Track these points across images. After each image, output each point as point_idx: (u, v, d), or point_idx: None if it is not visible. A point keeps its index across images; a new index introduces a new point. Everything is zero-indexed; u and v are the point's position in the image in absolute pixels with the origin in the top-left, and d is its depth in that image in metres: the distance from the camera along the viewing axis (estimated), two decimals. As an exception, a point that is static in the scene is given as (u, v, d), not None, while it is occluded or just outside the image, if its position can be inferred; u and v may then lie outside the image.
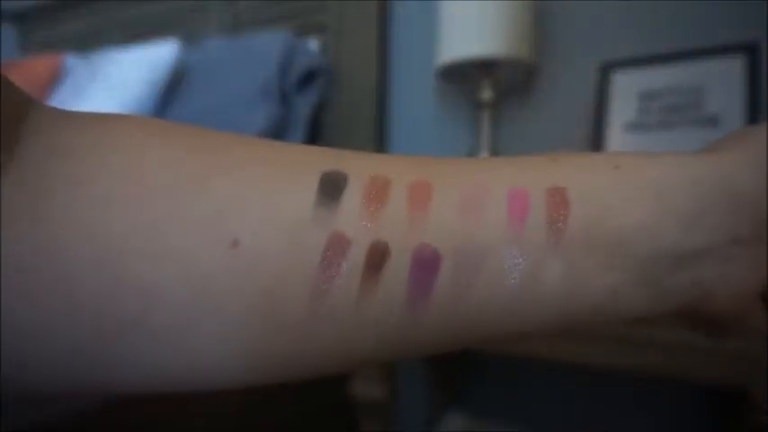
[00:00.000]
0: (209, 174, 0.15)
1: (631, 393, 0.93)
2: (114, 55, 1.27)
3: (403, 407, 1.12)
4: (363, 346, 0.16)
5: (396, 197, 0.16)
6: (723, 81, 0.83)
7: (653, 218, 0.16)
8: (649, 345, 0.63)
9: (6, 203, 0.14)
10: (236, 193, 0.15)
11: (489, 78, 0.95)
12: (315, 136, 1.18)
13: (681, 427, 0.89)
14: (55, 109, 0.17)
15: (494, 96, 0.95)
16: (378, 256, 0.15)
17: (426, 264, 0.15)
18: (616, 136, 0.90)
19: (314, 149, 0.17)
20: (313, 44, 1.18)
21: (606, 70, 0.93)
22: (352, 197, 0.16)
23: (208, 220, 0.15)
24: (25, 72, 1.36)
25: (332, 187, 0.16)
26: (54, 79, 1.36)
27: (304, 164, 0.16)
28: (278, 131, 1.09)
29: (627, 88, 0.91)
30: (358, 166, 0.16)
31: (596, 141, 0.92)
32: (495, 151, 0.95)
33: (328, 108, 1.18)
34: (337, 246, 0.15)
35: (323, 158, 0.17)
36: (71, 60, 1.41)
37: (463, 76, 1.00)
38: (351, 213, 0.15)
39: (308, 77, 1.13)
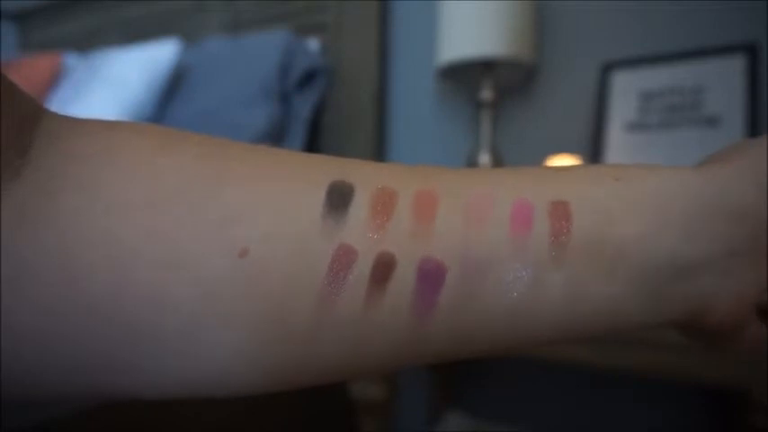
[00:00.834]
0: (219, 183, 0.16)
1: (631, 393, 0.93)
2: (114, 55, 1.27)
3: (403, 407, 1.12)
4: (369, 355, 0.16)
5: (402, 209, 0.16)
6: (723, 81, 0.83)
7: (653, 230, 0.17)
8: (650, 345, 0.63)
9: (18, 206, 0.14)
10: (245, 202, 0.15)
11: (489, 78, 0.95)
12: (315, 136, 1.18)
13: (681, 428, 0.89)
14: (64, 115, 0.17)
15: (494, 96, 0.95)
16: (384, 268, 0.15)
17: (432, 275, 0.16)
18: (616, 136, 0.90)
19: (321, 159, 0.18)
20: (313, 44, 1.18)
21: (606, 70, 0.93)
22: (359, 209, 0.16)
23: (217, 229, 0.15)
24: (25, 72, 1.36)
25: (339, 198, 0.16)
26: (54, 79, 1.36)
27: (312, 174, 0.16)
28: (278, 131, 1.09)
29: (627, 88, 0.91)
30: (364, 177, 0.17)
31: (596, 141, 0.92)
32: (495, 151, 0.95)
33: (328, 108, 1.18)
34: (344, 257, 0.15)
35: (330, 168, 0.17)
36: (71, 60, 1.41)
37: (463, 76, 1.00)
38: (357, 225, 0.16)
39: (308, 77, 1.13)
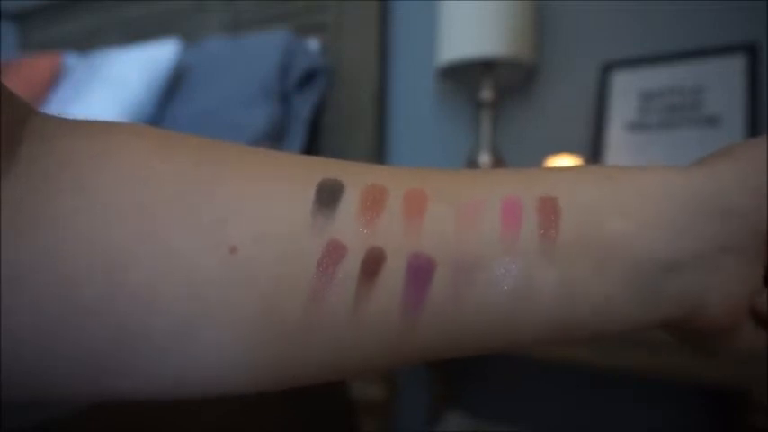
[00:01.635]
0: (212, 185, 0.16)
1: (631, 393, 0.93)
2: (114, 55, 1.27)
3: (403, 407, 1.12)
4: (360, 351, 0.16)
5: (391, 205, 0.16)
6: (723, 81, 0.83)
7: (641, 226, 0.17)
8: (650, 345, 0.63)
9: (9, 207, 0.14)
10: (236, 201, 0.16)
11: (489, 78, 0.95)
12: (315, 136, 1.18)
13: (681, 428, 0.89)
14: (55, 116, 0.17)
15: (494, 96, 0.95)
16: (373, 263, 0.15)
17: (421, 270, 0.16)
18: (616, 136, 0.90)
19: (311, 159, 0.18)
20: (313, 44, 1.18)
21: (606, 70, 0.93)
22: (349, 205, 0.16)
23: (208, 228, 0.15)
24: (25, 72, 1.36)
25: (329, 195, 0.16)
26: (54, 79, 1.36)
27: (302, 173, 0.17)
28: (278, 131, 1.09)
29: (627, 88, 0.91)
30: (354, 176, 0.17)
31: (596, 141, 0.92)
32: (495, 151, 0.95)
33: (328, 108, 1.18)
34: (334, 252, 0.15)
35: (320, 168, 0.17)
36: (71, 60, 1.41)
37: (463, 76, 1.00)
38: (347, 221, 0.16)
39: (308, 77, 1.13)
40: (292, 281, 0.15)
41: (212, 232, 0.15)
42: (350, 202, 0.16)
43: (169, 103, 1.20)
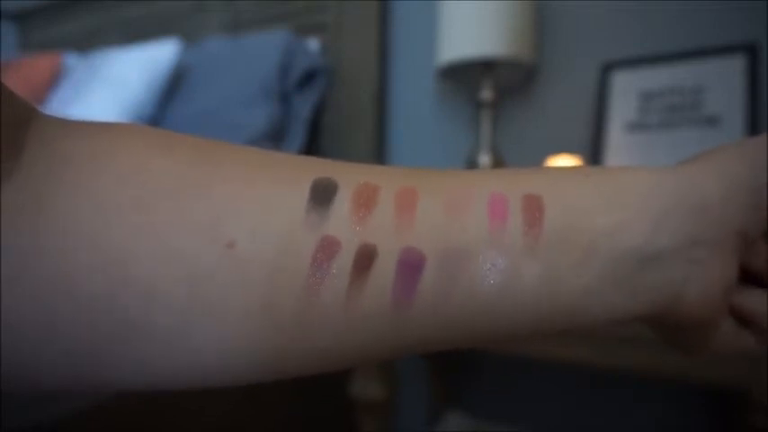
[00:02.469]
0: (209, 181, 0.16)
1: (631, 393, 0.93)
2: (114, 55, 1.27)
3: (403, 407, 1.12)
4: (354, 343, 0.17)
5: (383, 203, 0.17)
6: (723, 81, 0.83)
7: (621, 221, 0.18)
8: (650, 345, 0.63)
9: (10, 207, 0.15)
10: (233, 198, 0.16)
11: (489, 78, 0.95)
12: (315, 136, 1.18)
13: (681, 428, 0.89)
14: (57, 117, 0.17)
15: (494, 96, 0.95)
16: (366, 258, 0.16)
17: (412, 265, 0.16)
18: (616, 136, 0.90)
19: (306, 159, 0.18)
20: (313, 44, 1.18)
21: (606, 70, 0.93)
22: (342, 203, 0.17)
23: (206, 223, 0.16)
24: (25, 72, 1.36)
25: (323, 193, 0.17)
26: (54, 79, 1.36)
27: (297, 172, 0.17)
28: (278, 131, 1.09)
29: (627, 88, 0.91)
30: (348, 175, 0.17)
31: (596, 141, 0.92)
32: (495, 151, 0.95)
33: (328, 108, 1.18)
34: (327, 248, 0.16)
35: (315, 167, 0.18)
36: (71, 60, 1.41)
37: (463, 76, 1.00)
38: (341, 218, 0.16)
39: (308, 77, 1.13)
40: (288, 275, 0.16)
41: (210, 229, 0.16)
42: (343, 199, 0.17)
43: (169, 103, 1.20)
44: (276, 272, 0.16)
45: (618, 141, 0.90)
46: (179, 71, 1.22)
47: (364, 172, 0.18)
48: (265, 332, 0.16)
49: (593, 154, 0.92)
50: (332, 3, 1.19)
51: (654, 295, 0.18)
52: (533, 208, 0.17)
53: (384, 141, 1.19)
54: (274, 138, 1.08)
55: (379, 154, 1.17)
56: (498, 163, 0.94)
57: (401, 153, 1.18)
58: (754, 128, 0.80)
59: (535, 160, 0.96)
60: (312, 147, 1.17)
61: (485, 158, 0.94)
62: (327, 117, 1.19)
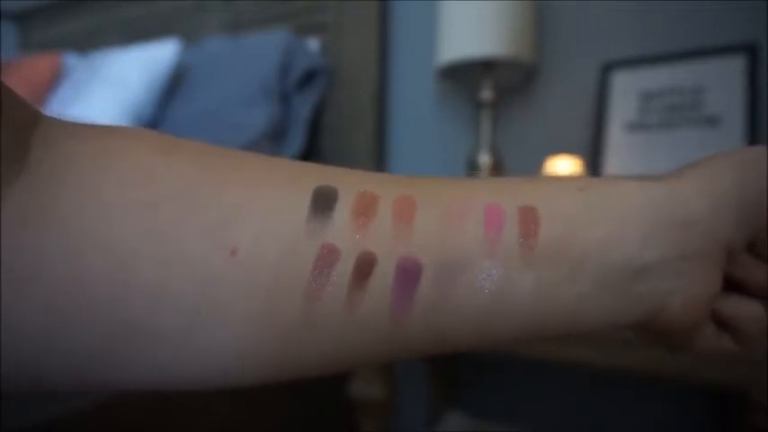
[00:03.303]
0: (213, 186, 0.17)
1: (631, 393, 0.93)
2: (114, 55, 1.27)
3: (403, 407, 1.12)
4: (353, 347, 0.17)
5: (383, 211, 0.17)
6: (723, 81, 0.83)
7: (612, 234, 0.18)
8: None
9: (21, 209, 0.15)
10: (237, 204, 0.16)
11: (489, 78, 0.95)
12: (315, 136, 1.18)
13: (681, 428, 0.89)
14: (61, 120, 0.18)
15: (494, 96, 0.95)
16: (365, 266, 0.17)
17: (409, 273, 0.17)
18: (616, 136, 0.90)
19: (308, 165, 0.19)
20: (313, 44, 1.18)
21: (606, 70, 0.93)
22: (343, 211, 0.17)
23: (212, 228, 0.16)
24: (25, 72, 1.36)
25: (324, 202, 0.17)
26: (54, 79, 1.36)
27: (299, 179, 0.18)
28: (278, 131, 1.09)
29: (627, 88, 0.91)
30: (348, 183, 0.18)
31: (596, 141, 0.92)
32: (495, 151, 0.95)
33: (328, 108, 1.18)
34: (328, 256, 0.16)
35: (316, 174, 0.18)
36: (71, 60, 1.41)
37: (463, 76, 1.00)
38: (341, 226, 0.17)
39: (308, 77, 1.13)
40: (290, 281, 0.16)
41: (215, 232, 0.16)
42: (343, 208, 0.17)
43: (169, 103, 1.20)
44: (278, 277, 0.16)
45: (618, 141, 0.90)
46: (179, 71, 1.22)
47: (363, 179, 0.18)
48: (268, 336, 0.16)
49: (593, 154, 0.92)
50: (332, 3, 1.19)
51: (642, 306, 0.19)
52: (529, 220, 0.18)
53: (384, 141, 1.18)
54: (274, 138, 1.08)
55: (379, 154, 1.17)
56: (498, 163, 0.94)
57: (401, 153, 1.18)
58: (754, 128, 0.80)
59: (535, 160, 0.96)
60: (312, 147, 1.17)
61: (485, 158, 0.94)
62: (327, 117, 1.19)
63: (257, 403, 0.82)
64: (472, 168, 0.95)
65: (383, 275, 0.17)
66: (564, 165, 0.87)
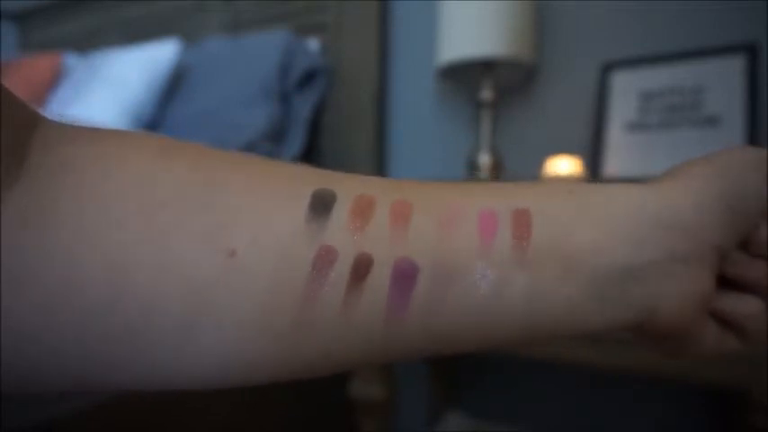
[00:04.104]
0: (211, 191, 0.17)
1: (631, 393, 0.93)
2: (114, 55, 1.27)
3: (403, 407, 1.12)
4: (350, 349, 0.17)
5: (379, 214, 0.18)
6: (723, 81, 0.83)
7: (603, 238, 0.19)
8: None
9: (20, 212, 0.15)
10: (234, 208, 0.17)
11: (489, 78, 0.95)
12: (315, 136, 1.18)
13: (681, 428, 0.89)
14: (61, 123, 0.18)
15: (494, 96, 0.95)
16: (362, 267, 0.17)
17: (405, 275, 0.17)
18: (616, 136, 0.90)
19: (306, 169, 0.19)
20: (313, 44, 1.18)
21: (606, 70, 0.93)
22: (341, 214, 0.17)
23: (208, 233, 0.16)
24: (25, 72, 1.36)
25: (322, 204, 0.17)
26: (54, 79, 1.36)
27: (297, 182, 0.18)
28: (278, 131, 1.09)
29: (627, 88, 0.91)
30: (346, 186, 0.18)
31: (596, 141, 0.92)
32: (495, 151, 0.95)
33: (328, 108, 1.18)
34: (325, 257, 0.17)
35: (314, 178, 0.18)
36: (71, 60, 1.41)
37: (463, 76, 1.00)
38: (338, 228, 0.17)
39: (308, 77, 1.13)
40: (288, 283, 0.16)
41: (212, 236, 0.16)
42: (341, 210, 0.17)
43: (169, 103, 1.20)
44: (276, 280, 0.16)
45: (618, 141, 0.90)
46: (179, 71, 1.22)
47: (361, 183, 0.18)
48: (265, 337, 0.16)
49: (593, 154, 0.92)
50: (332, 3, 1.19)
51: (633, 308, 0.19)
52: (521, 223, 0.18)
53: (384, 141, 1.18)
54: (274, 138, 1.08)
55: (379, 154, 1.17)
56: (498, 163, 0.94)
57: (401, 153, 1.18)
58: (753, 128, 0.80)
59: (535, 160, 0.96)
60: (312, 147, 1.17)
61: (485, 158, 0.94)
62: (327, 117, 1.19)
63: (257, 403, 0.82)
64: (472, 168, 0.95)
65: (380, 277, 0.17)
66: (564, 165, 0.87)
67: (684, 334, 0.20)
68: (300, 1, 1.24)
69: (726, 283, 0.20)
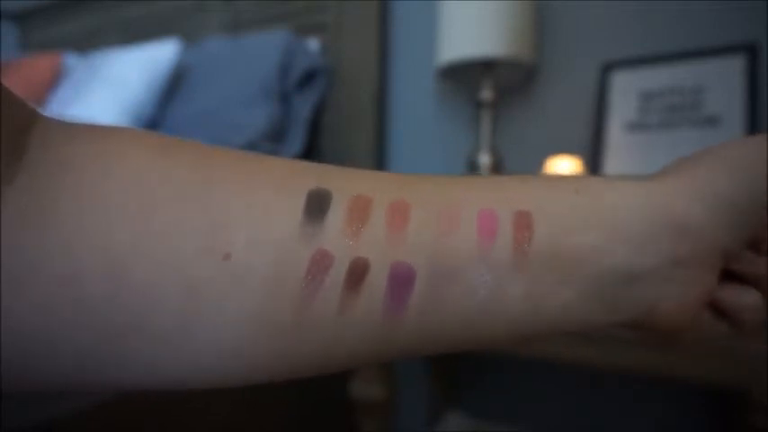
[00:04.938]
0: (208, 189, 0.17)
1: (631, 393, 0.93)
2: (114, 55, 1.27)
3: (403, 407, 1.12)
4: (345, 351, 0.18)
5: (376, 216, 0.17)
6: (723, 81, 0.83)
7: (605, 240, 0.18)
8: (650, 345, 0.63)
9: (15, 211, 0.15)
10: (231, 208, 0.17)
11: (489, 78, 0.95)
12: (315, 136, 1.18)
13: (680, 428, 0.89)
14: (59, 121, 0.18)
15: (494, 96, 0.95)
16: (358, 272, 0.17)
17: (402, 279, 0.17)
18: (616, 136, 0.90)
19: (302, 166, 0.19)
20: (313, 44, 1.18)
21: (606, 70, 0.93)
22: (336, 216, 0.17)
23: (205, 233, 0.16)
24: (25, 72, 1.36)
25: (317, 206, 0.17)
26: (54, 79, 1.36)
27: (294, 181, 0.18)
28: (278, 131, 1.09)
29: (627, 88, 0.91)
30: (342, 185, 0.18)
31: (596, 141, 0.92)
32: (495, 151, 0.95)
33: (328, 108, 1.18)
34: (321, 262, 0.16)
35: (310, 176, 0.18)
36: (71, 60, 1.41)
37: (463, 76, 1.00)
38: (334, 231, 0.17)
39: (308, 77, 1.13)
40: (283, 286, 0.16)
41: (208, 236, 0.16)
42: (337, 213, 0.17)
43: (169, 103, 1.20)
44: (271, 282, 0.16)
45: (618, 141, 0.90)
46: (179, 71, 1.22)
47: (357, 181, 0.18)
48: (261, 338, 0.16)
49: (593, 154, 0.92)
50: (332, 3, 1.19)
51: (630, 310, 0.19)
52: (522, 226, 0.18)
53: (384, 141, 1.18)
54: (274, 138, 1.08)
55: (379, 154, 1.17)
56: (498, 163, 0.94)
57: (401, 153, 1.18)
58: (753, 128, 0.80)
59: (535, 160, 0.96)
60: (312, 147, 1.17)
61: (485, 158, 0.94)
62: (327, 117, 1.19)
63: (257, 403, 0.82)
64: (472, 168, 0.95)
65: (376, 281, 0.17)
66: (564, 165, 0.87)
67: (679, 332, 0.20)
68: (300, 1, 1.24)
69: (726, 274, 0.20)
